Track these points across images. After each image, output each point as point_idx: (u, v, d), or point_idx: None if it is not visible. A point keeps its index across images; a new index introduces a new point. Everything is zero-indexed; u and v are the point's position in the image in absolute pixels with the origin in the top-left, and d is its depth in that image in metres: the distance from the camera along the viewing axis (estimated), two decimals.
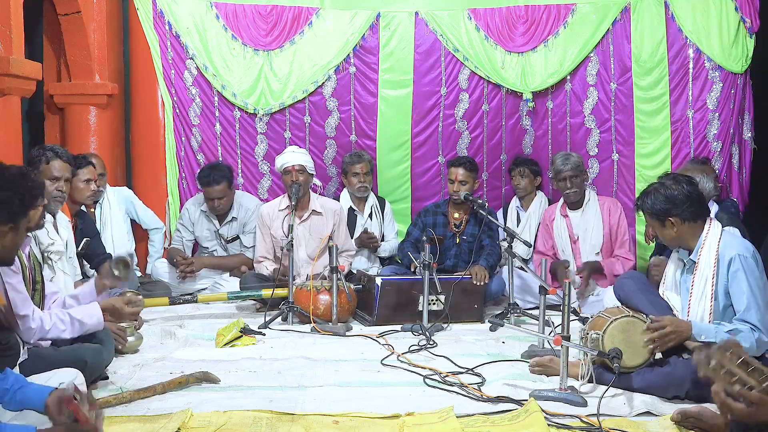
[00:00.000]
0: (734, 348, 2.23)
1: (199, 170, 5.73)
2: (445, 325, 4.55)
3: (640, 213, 3.47)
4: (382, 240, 5.82)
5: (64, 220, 4.06)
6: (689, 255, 3.35)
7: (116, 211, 5.33)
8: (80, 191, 4.50)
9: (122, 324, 3.88)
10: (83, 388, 2.84)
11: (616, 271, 5.07)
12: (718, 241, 3.25)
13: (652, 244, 5.39)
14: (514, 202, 5.87)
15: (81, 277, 4.27)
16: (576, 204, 5.29)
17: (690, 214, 3.30)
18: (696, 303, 3.28)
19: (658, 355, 3.31)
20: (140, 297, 3.43)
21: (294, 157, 5.08)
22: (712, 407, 2.85)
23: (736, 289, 3.17)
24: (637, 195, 3.74)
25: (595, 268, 5.10)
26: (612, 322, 3.24)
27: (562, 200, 5.39)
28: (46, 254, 3.62)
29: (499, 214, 5.91)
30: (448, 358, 3.81)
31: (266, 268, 5.12)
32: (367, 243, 5.60)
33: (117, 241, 5.24)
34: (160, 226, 5.72)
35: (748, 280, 3.14)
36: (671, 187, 3.32)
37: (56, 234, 3.80)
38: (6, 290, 2.95)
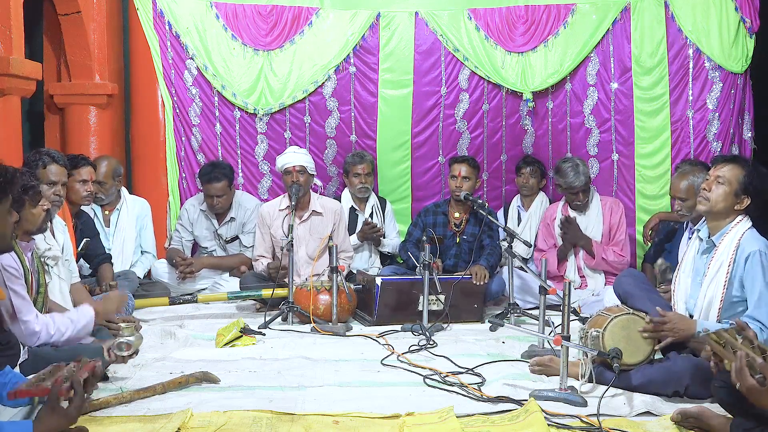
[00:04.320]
0: (745, 332, 2.22)
1: (200, 167, 5.73)
2: (445, 325, 4.55)
3: (719, 166, 3.27)
4: (383, 236, 5.80)
5: (60, 223, 4.06)
6: (709, 236, 3.33)
7: (131, 221, 5.28)
8: (76, 191, 4.48)
9: (121, 324, 3.88)
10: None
11: (607, 256, 5.17)
12: (743, 233, 3.23)
13: (651, 244, 5.40)
14: (515, 202, 5.87)
15: (80, 279, 4.25)
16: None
17: (754, 209, 3.26)
18: (707, 285, 3.26)
19: (658, 355, 3.32)
20: (140, 336, 3.43)
21: (295, 157, 5.08)
22: (712, 407, 2.86)
23: (750, 283, 3.15)
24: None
25: (586, 240, 5.18)
26: (612, 319, 3.25)
27: (564, 200, 5.40)
28: (42, 260, 3.62)
29: (500, 213, 5.92)
30: (448, 358, 3.81)
31: (262, 264, 5.11)
32: (370, 234, 5.58)
33: (126, 250, 5.22)
34: (153, 253, 5.53)
35: (765, 277, 3.13)
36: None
37: (53, 239, 3.80)
38: (9, 295, 2.96)
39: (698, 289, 3.32)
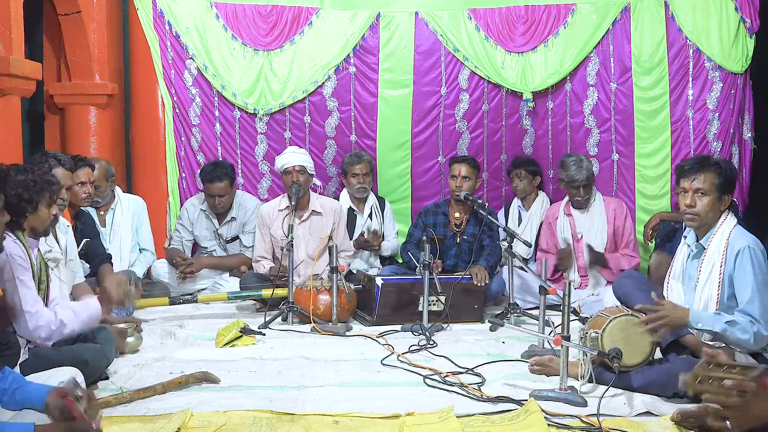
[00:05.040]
0: (713, 359, 2.22)
1: (202, 166, 5.74)
2: (445, 325, 4.55)
3: (692, 177, 3.24)
4: (382, 239, 5.80)
5: (63, 224, 4.05)
6: (697, 240, 3.33)
7: (127, 219, 5.26)
8: (75, 194, 4.47)
9: (122, 325, 3.89)
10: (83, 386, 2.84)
11: (622, 267, 5.12)
12: (730, 232, 3.24)
13: (652, 244, 5.40)
14: (516, 202, 5.88)
15: (83, 279, 4.25)
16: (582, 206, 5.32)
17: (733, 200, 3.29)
18: (701, 288, 3.26)
19: (658, 354, 3.32)
20: (140, 337, 3.45)
21: (294, 157, 5.08)
22: (712, 407, 2.85)
23: (741, 280, 3.15)
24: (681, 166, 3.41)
25: (599, 260, 5.13)
26: (611, 320, 3.25)
27: (566, 199, 5.40)
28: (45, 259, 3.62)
29: (501, 213, 5.92)
30: (448, 358, 3.81)
31: (264, 267, 5.11)
32: (365, 246, 5.58)
33: (124, 249, 5.21)
34: (152, 250, 5.47)
35: (755, 272, 3.14)
36: (727, 162, 3.28)
37: (54, 241, 3.80)
38: (17, 286, 2.97)
39: (692, 293, 3.32)
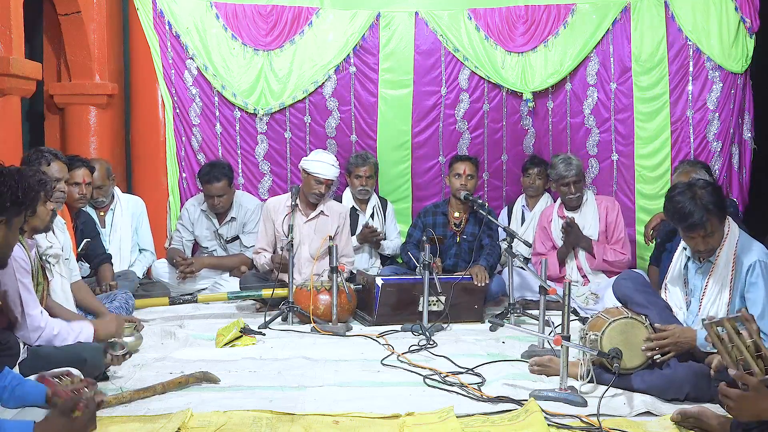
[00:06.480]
0: (748, 323, 2.18)
1: (200, 168, 5.74)
2: (445, 325, 4.55)
3: (700, 229, 3.15)
4: (383, 238, 5.80)
5: (60, 221, 4.05)
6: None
7: (127, 219, 5.26)
8: (69, 194, 4.46)
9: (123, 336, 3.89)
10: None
11: (607, 257, 5.18)
12: (736, 243, 3.20)
13: (652, 245, 5.39)
14: (520, 201, 5.87)
15: (80, 278, 4.25)
16: (574, 206, 5.32)
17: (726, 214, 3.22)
18: (710, 304, 3.23)
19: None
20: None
21: (332, 171, 5.00)
22: (712, 407, 2.86)
23: (753, 295, 3.12)
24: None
25: (585, 242, 5.19)
26: (611, 323, 3.24)
27: (558, 201, 5.41)
28: (44, 258, 3.63)
29: (503, 213, 5.92)
30: (448, 358, 3.81)
31: (264, 257, 5.08)
32: (370, 237, 5.57)
33: (124, 249, 5.21)
34: (152, 250, 5.49)
35: (766, 287, 3.09)
36: (712, 190, 3.19)
37: (54, 237, 3.80)
38: (19, 288, 2.97)
39: (697, 303, 3.30)
